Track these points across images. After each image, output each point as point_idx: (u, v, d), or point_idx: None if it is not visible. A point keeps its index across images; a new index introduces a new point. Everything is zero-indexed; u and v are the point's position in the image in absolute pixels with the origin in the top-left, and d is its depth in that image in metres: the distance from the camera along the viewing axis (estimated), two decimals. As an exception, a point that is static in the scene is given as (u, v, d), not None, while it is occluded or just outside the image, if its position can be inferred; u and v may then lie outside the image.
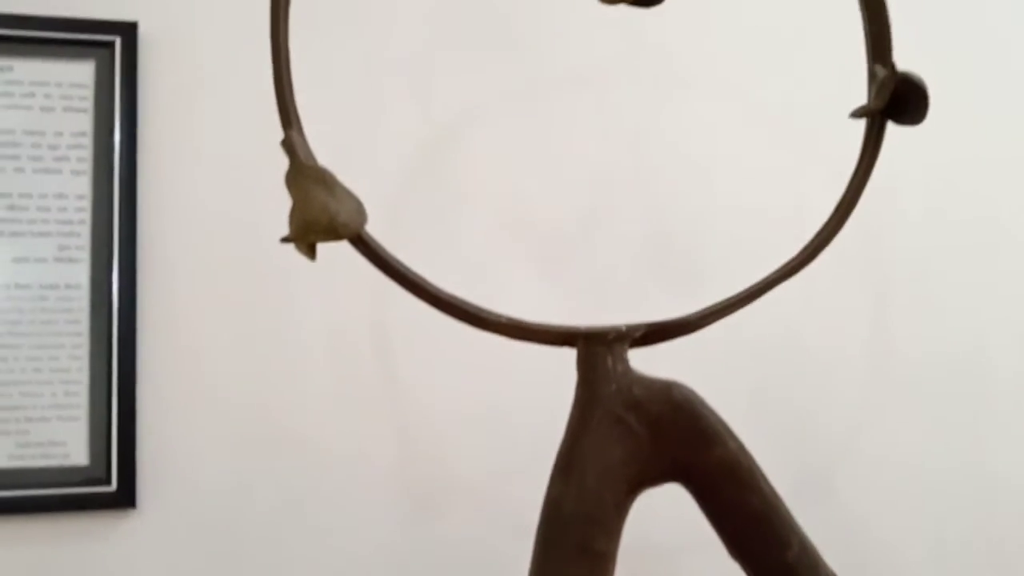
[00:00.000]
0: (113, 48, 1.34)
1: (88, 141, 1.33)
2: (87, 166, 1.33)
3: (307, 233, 0.87)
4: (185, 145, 1.38)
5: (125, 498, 1.31)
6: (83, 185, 1.33)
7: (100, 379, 1.31)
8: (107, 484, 1.30)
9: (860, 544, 1.56)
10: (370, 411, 1.42)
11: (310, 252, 0.88)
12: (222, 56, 1.41)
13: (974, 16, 1.73)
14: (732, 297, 1.00)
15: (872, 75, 1.03)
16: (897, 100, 1.00)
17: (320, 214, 0.86)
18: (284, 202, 0.89)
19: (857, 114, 1.03)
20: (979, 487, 1.63)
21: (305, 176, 0.88)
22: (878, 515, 1.58)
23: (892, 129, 1.04)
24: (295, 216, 0.87)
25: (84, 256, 1.33)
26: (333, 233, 0.87)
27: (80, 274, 1.32)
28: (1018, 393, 1.67)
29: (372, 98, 1.46)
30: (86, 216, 1.33)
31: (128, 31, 1.35)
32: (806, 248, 1.01)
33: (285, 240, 0.87)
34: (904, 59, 1.04)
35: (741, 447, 0.91)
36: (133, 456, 1.31)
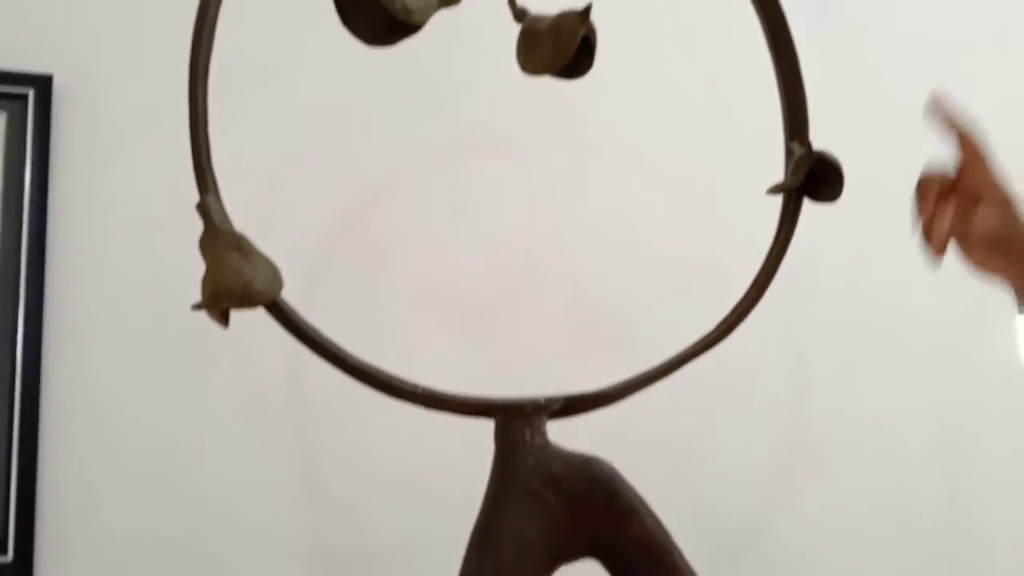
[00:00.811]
0: (26, 100, 1.31)
1: (-3, 195, 1.30)
2: (-5, 216, 1.29)
3: (220, 300, 0.84)
4: (97, 200, 1.35)
5: (22, 569, 1.25)
6: (-10, 235, 1.29)
7: (0, 441, 1.26)
8: (3, 554, 1.24)
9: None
10: (285, 476, 1.39)
11: (223, 319, 0.85)
12: (139, 113, 1.38)
13: (888, 98, 1.78)
14: (651, 370, 1.00)
15: (789, 152, 1.05)
16: (813, 177, 1.02)
17: (234, 281, 0.84)
18: (198, 264, 0.86)
19: (774, 190, 1.04)
20: (897, 551, 1.65)
21: (220, 241, 0.86)
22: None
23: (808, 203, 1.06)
24: (208, 282, 0.85)
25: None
26: (247, 300, 0.84)
27: (-18, 325, 1.28)
28: (931, 461, 1.69)
29: (295, 160, 1.45)
30: (-9, 268, 1.29)
31: (43, 84, 1.32)
32: (724, 321, 1.02)
33: (197, 307, 0.85)
34: (819, 137, 1.06)
35: (658, 524, 0.91)
36: (32, 525, 1.26)
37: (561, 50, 1.00)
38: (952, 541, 1.70)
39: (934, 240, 0.90)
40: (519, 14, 1.07)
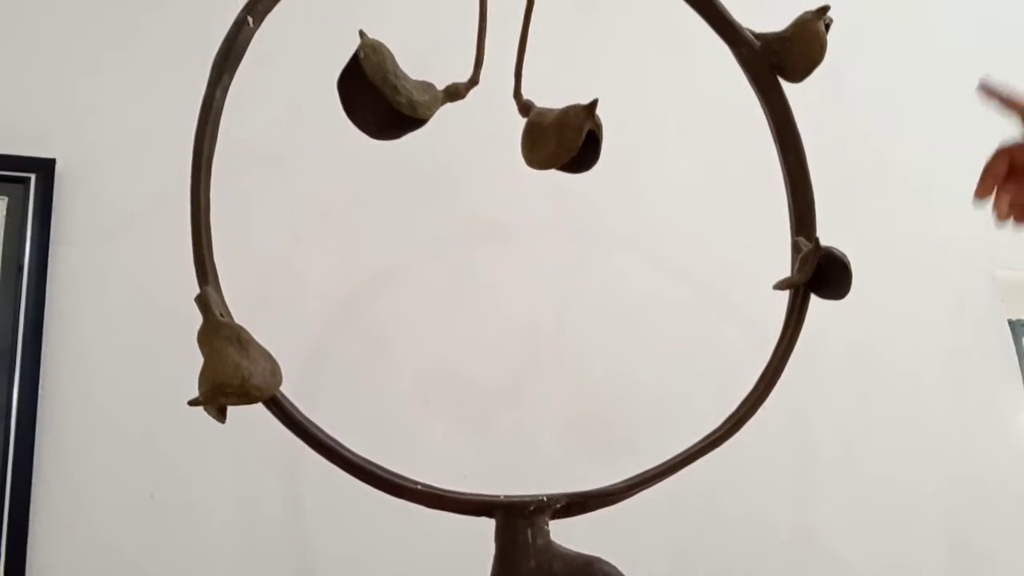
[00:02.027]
0: (28, 185, 1.31)
1: (-5, 279, 1.29)
2: (-7, 299, 1.28)
3: (218, 395, 0.82)
4: (95, 285, 1.34)
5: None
6: (-13, 317, 1.28)
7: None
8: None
9: None
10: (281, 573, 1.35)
11: (220, 415, 0.83)
12: (140, 198, 1.38)
13: (892, 185, 1.79)
14: (655, 468, 0.98)
15: (795, 247, 1.04)
16: (820, 272, 1.01)
17: (232, 375, 0.82)
18: (194, 354, 0.84)
19: (781, 286, 1.03)
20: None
21: (219, 334, 0.84)
22: None
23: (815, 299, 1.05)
24: (206, 376, 0.83)
25: (-19, 396, 1.25)
26: (245, 396, 0.82)
27: (-23, 408, 1.25)
28: (941, 565, 1.66)
29: (296, 246, 1.44)
30: (-12, 349, 1.27)
31: (46, 168, 1.32)
32: (731, 418, 1.00)
33: (194, 402, 0.83)
34: (826, 235, 1.06)
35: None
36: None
37: (566, 145, 0.99)
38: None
39: (999, 211, 0.94)
40: (525, 107, 1.07)
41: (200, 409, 0.84)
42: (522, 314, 1.54)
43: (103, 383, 1.31)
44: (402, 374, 1.45)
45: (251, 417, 0.94)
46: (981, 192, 0.95)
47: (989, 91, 0.96)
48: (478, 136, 1.50)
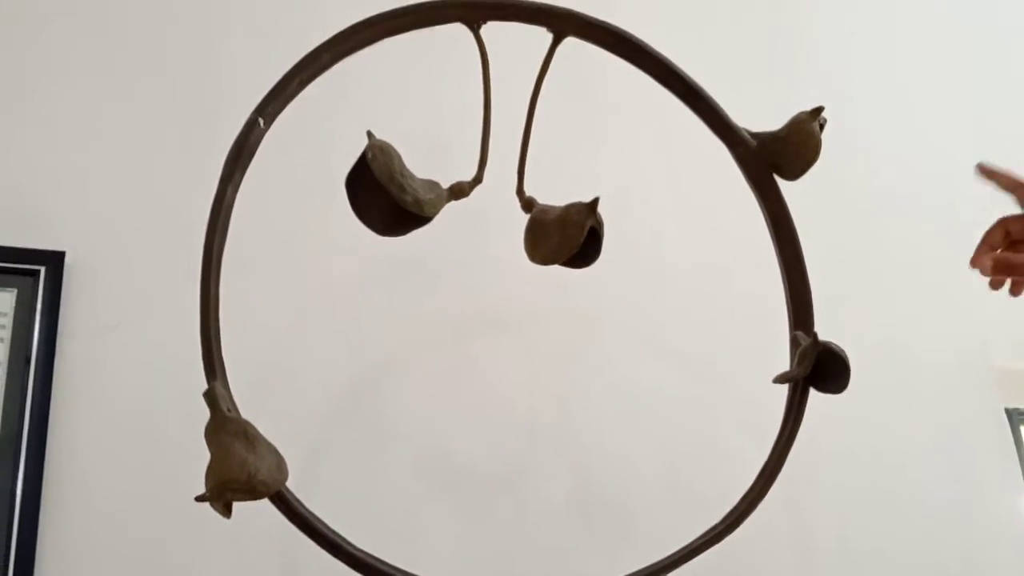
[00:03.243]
0: (38, 277, 1.32)
1: (2, 370, 1.29)
2: (-1, 393, 1.29)
3: (224, 491, 0.83)
4: (103, 379, 1.34)
5: None
6: (-7, 410, 1.28)
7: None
8: None
9: None
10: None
11: (226, 511, 0.84)
12: (150, 291, 1.39)
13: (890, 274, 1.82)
14: (656, 563, 0.98)
15: (794, 342, 1.06)
16: (819, 367, 1.02)
17: (239, 471, 0.83)
18: (203, 451, 0.85)
19: (780, 380, 1.05)
20: None
21: (226, 430, 0.85)
22: None
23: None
24: (212, 472, 0.84)
25: (-13, 486, 1.25)
26: (251, 492, 0.83)
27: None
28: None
29: (300, 337, 1.45)
30: (-8, 442, 1.27)
31: (55, 260, 1.34)
32: (731, 514, 1.01)
33: (201, 498, 0.83)
34: (820, 323, 1.08)
35: None
36: None
37: (569, 242, 1.02)
38: None
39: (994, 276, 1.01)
40: (527, 204, 1.10)
41: (204, 504, 0.85)
42: (522, 402, 1.54)
43: (107, 476, 1.31)
44: (403, 463, 1.45)
45: (254, 512, 0.95)
46: (976, 260, 0.99)
47: (987, 172, 1.01)
48: (479, 228, 1.52)
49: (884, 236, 1.87)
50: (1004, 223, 1.02)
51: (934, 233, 1.90)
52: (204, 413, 0.87)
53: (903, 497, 1.70)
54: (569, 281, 1.55)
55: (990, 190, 1.94)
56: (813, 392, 1.06)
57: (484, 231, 1.53)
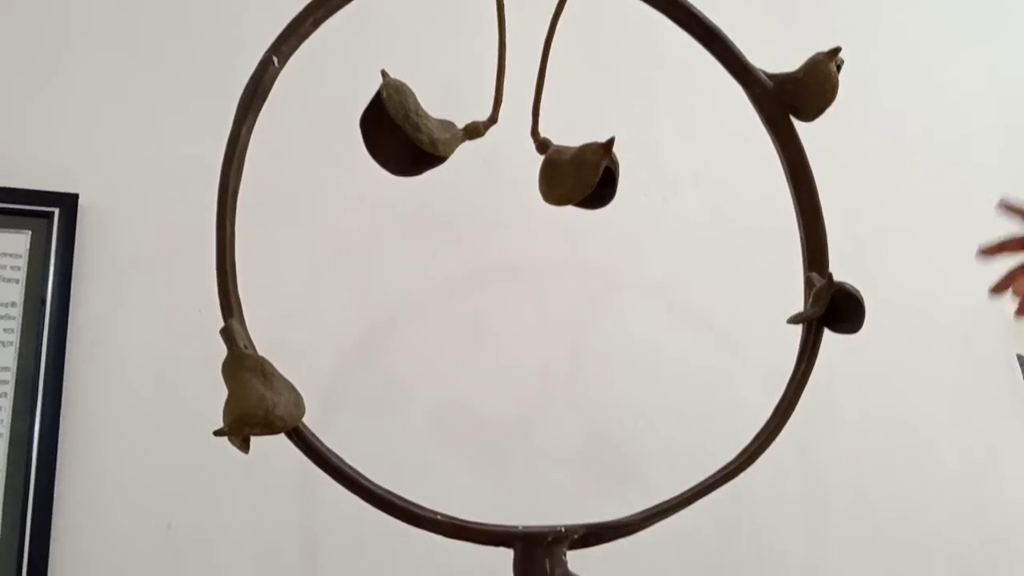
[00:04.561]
0: (51, 219, 1.33)
1: (17, 312, 1.30)
2: (14, 337, 1.29)
3: (242, 426, 0.83)
4: (118, 320, 1.35)
5: None
6: (8, 357, 1.28)
7: (9, 566, 1.23)
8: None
9: None
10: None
11: (244, 445, 0.85)
12: (164, 234, 1.39)
13: (906, 226, 1.81)
14: (673, 499, 0.99)
15: (808, 283, 1.06)
16: (833, 308, 1.02)
17: (257, 406, 0.83)
18: (218, 388, 0.86)
19: (794, 320, 1.05)
20: None
21: (243, 366, 0.86)
22: None
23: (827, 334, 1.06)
24: (230, 408, 0.84)
25: (2, 431, 1.26)
26: (269, 427, 0.84)
27: (-3, 449, 1.26)
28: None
29: (313, 288, 1.46)
30: (8, 389, 1.27)
31: (68, 202, 1.34)
32: (745, 451, 1.01)
33: (219, 433, 0.84)
34: (835, 266, 1.07)
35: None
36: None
37: (584, 182, 1.01)
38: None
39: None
40: (542, 145, 1.09)
41: (220, 441, 0.85)
42: (535, 352, 1.55)
43: (124, 416, 1.32)
44: (416, 412, 1.46)
45: (270, 450, 0.96)
46: (999, 288, 1.00)
47: (1010, 208, 1.01)
48: (493, 178, 1.52)
49: (898, 186, 1.87)
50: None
51: (949, 183, 1.89)
52: (221, 353, 0.87)
53: (914, 446, 1.71)
54: (583, 233, 1.56)
55: (1007, 145, 1.95)
56: (826, 345, 1.06)
57: (499, 180, 1.53)
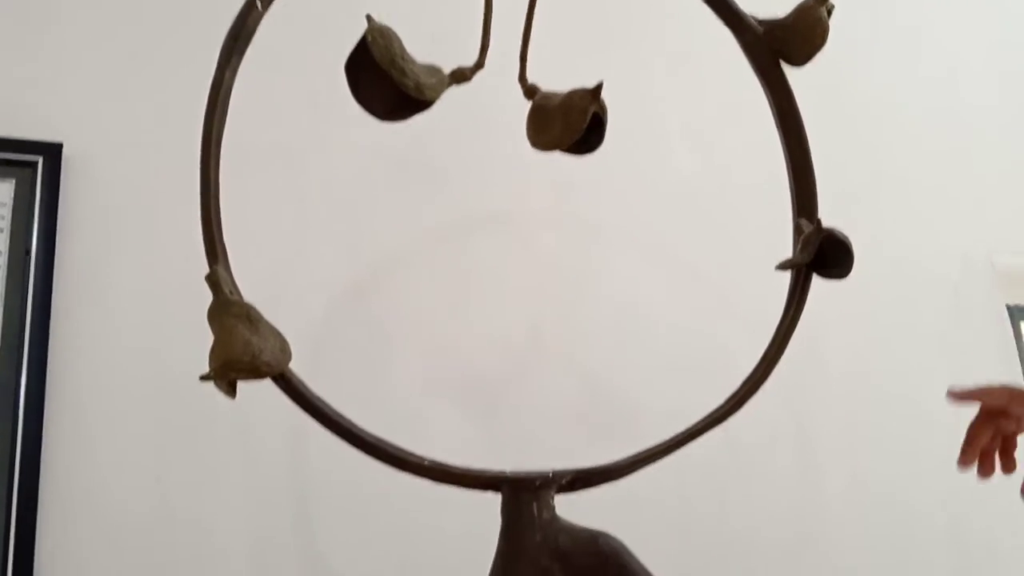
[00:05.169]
0: (35, 168, 1.32)
1: (3, 260, 1.29)
2: (0, 284, 1.29)
3: (228, 371, 0.83)
4: (103, 269, 1.35)
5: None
6: (-6, 302, 1.28)
7: (-1, 514, 1.23)
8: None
9: None
10: (285, 557, 1.36)
11: (230, 390, 0.84)
12: (148, 183, 1.39)
13: (896, 175, 1.80)
14: (659, 444, 0.99)
15: (797, 229, 1.05)
16: (822, 254, 1.02)
17: (243, 352, 0.83)
18: (204, 336, 0.85)
19: (783, 266, 1.04)
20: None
21: (229, 312, 0.85)
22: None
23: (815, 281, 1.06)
24: (216, 353, 0.84)
25: (-11, 375, 1.26)
26: (255, 372, 0.84)
27: (-17, 394, 1.26)
28: (939, 538, 1.67)
29: (300, 238, 1.45)
30: (-6, 334, 1.27)
31: (52, 152, 1.33)
32: (733, 396, 1.01)
33: (205, 378, 0.84)
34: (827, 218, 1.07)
35: (667, 604, 0.89)
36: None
37: (571, 127, 1.00)
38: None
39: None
40: (530, 91, 1.08)
41: (208, 392, 0.85)
42: (524, 301, 1.55)
43: (111, 366, 1.32)
44: (406, 362, 1.46)
45: (258, 398, 0.96)
46: (965, 460, 1.10)
47: (960, 398, 1.10)
48: (482, 127, 1.52)
49: (889, 135, 1.86)
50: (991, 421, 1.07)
51: (940, 132, 1.88)
52: (206, 300, 0.86)
53: (903, 396, 1.71)
54: (573, 182, 1.55)
55: (1000, 94, 1.94)
56: (815, 294, 1.06)
57: (487, 128, 1.51)
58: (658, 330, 1.59)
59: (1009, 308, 1.81)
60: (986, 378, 1.74)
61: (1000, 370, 1.79)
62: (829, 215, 1.07)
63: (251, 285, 0.92)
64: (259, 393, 0.92)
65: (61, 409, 1.29)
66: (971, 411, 1.09)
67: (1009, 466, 1.09)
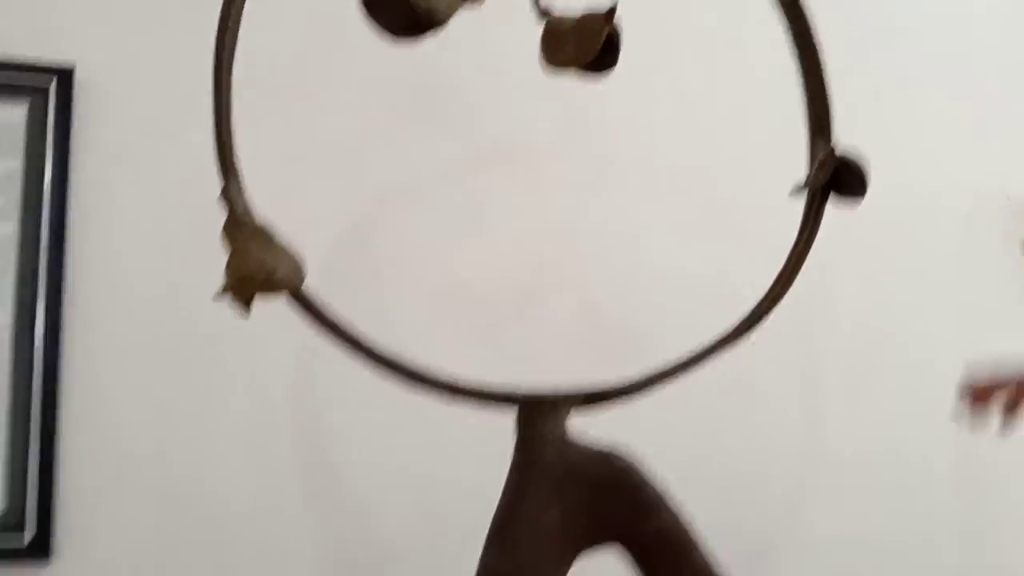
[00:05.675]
0: (48, 91, 1.31)
1: (17, 182, 1.30)
2: (15, 207, 1.29)
3: (243, 288, 0.84)
4: (118, 192, 1.35)
5: (40, 548, 1.25)
6: (9, 227, 1.29)
7: (19, 425, 1.26)
8: (22, 532, 1.24)
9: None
10: (294, 478, 1.38)
11: (245, 307, 0.85)
12: (161, 105, 1.38)
13: (910, 102, 1.79)
14: (672, 364, 0.99)
15: (812, 152, 1.05)
16: (837, 178, 1.01)
17: (257, 269, 0.84)
18: (217, 258, 0.86)
19: (797, 190, 1.04)
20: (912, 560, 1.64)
21: (243, 230, 0.86)
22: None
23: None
24: (231, 270, 0.84)
25: (7, 300, 1.28)
26: (270, 288, 0.84)
27: (2, 316, 1.28)
28: (945, 477, 1.68)
29: (308, 168, 1.44)
30: (12, 258, 1.29)
31: (64, 75, 1.32)
32: (746, 319, 1.01)
33: (220, 294, 0.84)
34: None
35: (680, 517, 0.90)
36: (50, 505, 1.26)
37: (585, 48, 0.99)
38: (968, 559, 1.68)
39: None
40: (543, 12, 1.07)
41: (220, 314, 0.86)
42: (532, 232, 1.54)
43: (126, 286, 1.34)
44: (412, 293, 1.47)
45: (267, 321, 0.96)
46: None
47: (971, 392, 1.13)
48: (488, 58, 1.50)
49: (900, 69, 1.83)
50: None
51: (951, 58, 1.86)
52: (220, 222, 0.86)
53: (914, 329, 1.71)
54: (579, 112, 1.54)
55: (1011, 33, 1.90)
56: (830, 229, 1.05)
57: (494, 61, 1.50)
58: (666, 258, 1.59)
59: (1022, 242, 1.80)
60: (999, 312, 1.76)
61: (1014, 305, 1.78)
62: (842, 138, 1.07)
63: (260, 213, 0.92)
64: (271, 316, 0.92)
65: (77, 331, 1.30)
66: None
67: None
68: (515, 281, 1.52)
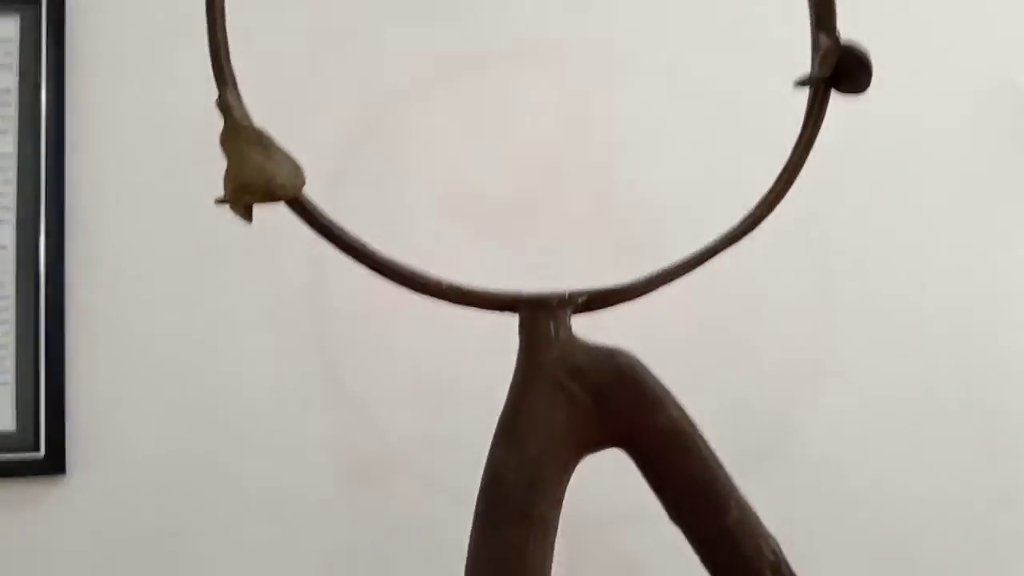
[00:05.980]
0: (39, 3, 1.30)
1: (13, 98, 1.29)
2: (12, 124, 1.29)
3: (242, 195, 0.84)
4: (115, 103, 1.34)
5: (54, 465, 1.27)
6: (8, 144, 1.29)
7: (27, 342, 1.28)
8: (35, 450, 1.27)
9: (800, 510, 1.58)
10: (306, 380, 1.40)
11: (246, 214, 0.85)
12: (155, 12, 1.36)
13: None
14: (677, 264, 0.99)
15: (816, 44, 1.03)
16: (841, 70, 1.00)
17: (256, 176, 0.83)
18: (218, 167, 0.85)
19: (801, 83, 1.03)
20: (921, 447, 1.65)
21: (240, 137, 0.85)
22: (816, 487, 1.60)
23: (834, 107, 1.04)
24: (230, 178, 0.84)
25: (9, 217, 1.29)
26: (270, 195, 0.84)
27: (5, 236, 1.28)
28: (956, 376, 1.68)
29: (313, 68, 1.43)
30: (11, 176, 1.29)
31: (54, -15, 1.31)
32: (750, 215, 1.01)
33: (220, 202, 0.84)
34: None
35: (684, 414, 0.91)
36: (62, 422, 1.28)
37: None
38: (975, 425, 1.69)
39: None
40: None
41: (223, 225, 0.86)
42: (543, 130, 1.53)
43: (129, 199, 1.34)
44: (422, 193, 1.46)
45: (276, 228, 0.96)
46: None
47: None
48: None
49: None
50: None
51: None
52: (218, 129, 0.86)
53: (921, 224, 1.70)
54: (592, 11, 1.51)
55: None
56: (832, 114, 1.04)
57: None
58: (678, 152, 1.57)
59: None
60: (1008, 205, 1.74)
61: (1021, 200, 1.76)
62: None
63: (262, 116, 0.91)
64: (278, 222, 0.92)
65: (81, 244, 1.31)
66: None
67: None
68: (526, 178, 1.51)
